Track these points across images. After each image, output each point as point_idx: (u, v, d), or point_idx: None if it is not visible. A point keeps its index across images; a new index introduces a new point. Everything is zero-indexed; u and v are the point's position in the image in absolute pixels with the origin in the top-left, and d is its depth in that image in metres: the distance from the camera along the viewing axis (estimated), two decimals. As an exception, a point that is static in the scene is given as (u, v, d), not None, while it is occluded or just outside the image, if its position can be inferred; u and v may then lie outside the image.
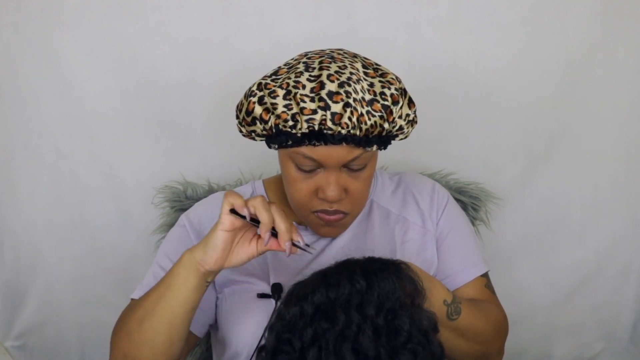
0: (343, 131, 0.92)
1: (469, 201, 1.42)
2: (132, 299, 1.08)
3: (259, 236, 0.92)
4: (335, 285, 0.81)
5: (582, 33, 1.49)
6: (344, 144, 0.94)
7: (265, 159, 1.41)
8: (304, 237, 0.92)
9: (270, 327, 0.85)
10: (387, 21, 1.49)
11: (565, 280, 1.68)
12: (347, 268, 0.84)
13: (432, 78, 1.51)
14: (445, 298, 0.96)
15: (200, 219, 1.14)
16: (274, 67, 1.01)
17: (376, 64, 1.00)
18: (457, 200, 1.38)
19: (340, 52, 1.01)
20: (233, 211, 0.89)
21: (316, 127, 0.92)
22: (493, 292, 1.15)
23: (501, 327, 1.09)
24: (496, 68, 1.52)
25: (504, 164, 1.59)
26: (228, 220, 0.89)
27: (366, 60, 1.00)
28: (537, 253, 1.66)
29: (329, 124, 0.91)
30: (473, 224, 1.43)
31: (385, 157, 1.37)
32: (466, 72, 1.52)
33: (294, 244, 0.90)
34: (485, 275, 1.15)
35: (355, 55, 1.01)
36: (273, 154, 1.06)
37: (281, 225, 0.88)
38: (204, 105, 1.51)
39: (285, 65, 1.00)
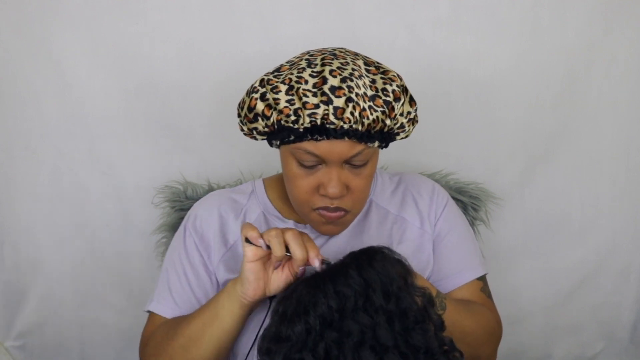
0: (345, 126, 0.92)
1: (469, 201, 1.42)
2: (150, 312, 1.10)
3: (290, 259, 0.94)
4: (337, 293, 0.81)
5: (582, 33, 1.50)
6: (346, 139, 0.94)
7: (265, 158, 1.41)
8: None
9: (272, 352, 0.82)
10: (387, 21, 1.49)
11: (565, 280, 1.68)
12: (340, 273, 0.83)
13: (432, 78, 1.51)
14: None
15: (202, 222, 1.15)
16: (274, 67, 1.01)
17: (377, 63, 1.01)
18: (457, 200, 1.38)
19: (342, 50, 1.01)
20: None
21: (318, 122, 0.92)
22: (489, 296, 1.14)
23: (493, 331, 1.08)
24: (496, 68, 1.52)
25: (504, 164, 1.59)
26: (250, 251, 0.92)
27: (367, 59, 1.01)
28: (537, 253, 1.66)
29: (332, 118, 0.92)
30: (473, 224, 1.43)
31: (386, 157, 1.37)
32: (466, 72, 1.52)
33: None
34: (482, 279, 1.14)
35: (356, 54, 1.01)
36: (273, 153, 1.06)
37: (297, 253, 0.90)
38: (204, 105, 1.51)
39: (287, 62, 1.00)
